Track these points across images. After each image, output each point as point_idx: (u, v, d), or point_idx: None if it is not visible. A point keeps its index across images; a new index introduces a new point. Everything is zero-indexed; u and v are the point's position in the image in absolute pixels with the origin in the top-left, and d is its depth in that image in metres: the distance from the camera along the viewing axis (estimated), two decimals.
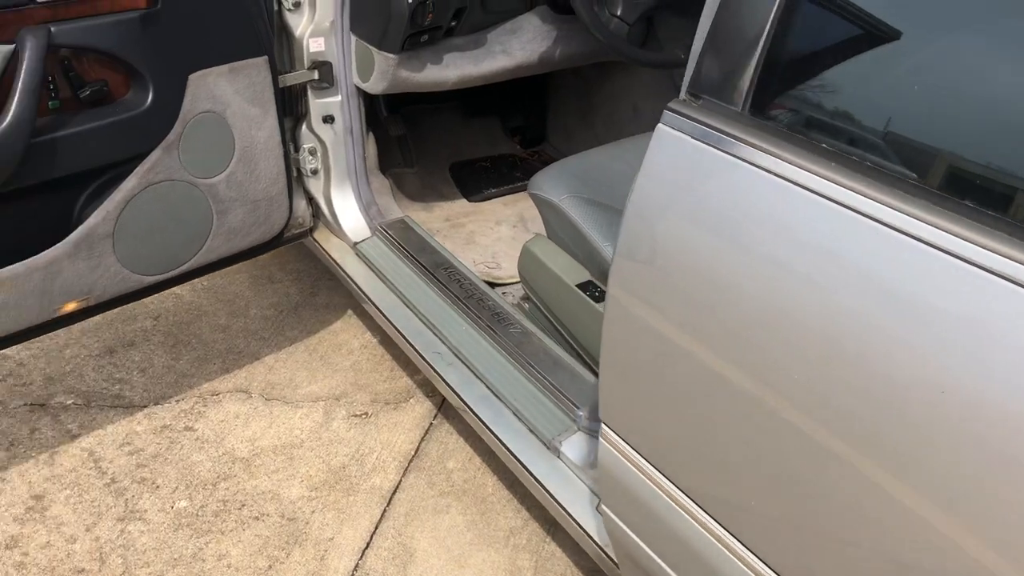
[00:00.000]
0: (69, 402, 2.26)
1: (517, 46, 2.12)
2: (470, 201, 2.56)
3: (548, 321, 1.89)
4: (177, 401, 2.27)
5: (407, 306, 2.02)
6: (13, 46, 1.53)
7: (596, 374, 1.72)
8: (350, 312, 2.60)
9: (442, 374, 1.81)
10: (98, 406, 2.25)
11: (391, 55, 1.96)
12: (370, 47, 1.99)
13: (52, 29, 1.57)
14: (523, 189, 2.59)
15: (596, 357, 1.72)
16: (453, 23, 1.98)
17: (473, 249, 2.31)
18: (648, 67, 2.05)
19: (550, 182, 1.80)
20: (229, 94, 1.86)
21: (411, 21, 1.87)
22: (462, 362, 1.83)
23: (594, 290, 1.73)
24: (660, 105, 2.46)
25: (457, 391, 1.77)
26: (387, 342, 2.43)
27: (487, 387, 1.76)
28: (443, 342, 1.89)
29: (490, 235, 2.37)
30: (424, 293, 2.02)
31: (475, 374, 1.79)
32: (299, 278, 2.76)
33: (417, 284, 2.05)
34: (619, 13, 1.84)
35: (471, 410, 1.74)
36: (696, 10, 1.02)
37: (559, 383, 1.69)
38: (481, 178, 2.65)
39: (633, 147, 1.93)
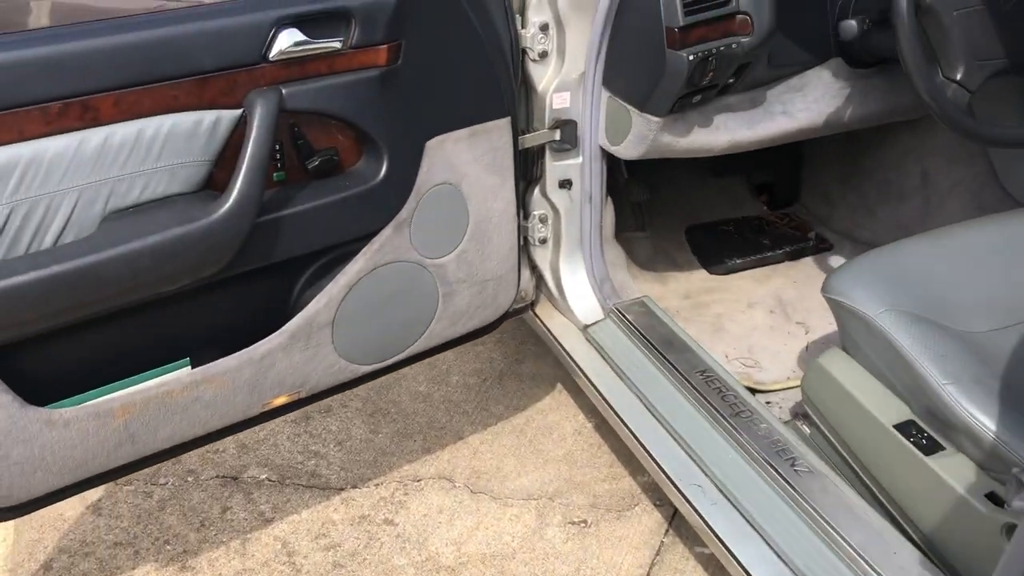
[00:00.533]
0: (263, 477, 2.07)
1: (801, 106, 1.76)
2: (711, 273, 2.20)
3: (838, 455, 1.51)
4: (376, 485, 2.04)
5: (653, 415, 1.69)
6: (241, 111, 1.32)
7: (916, 543, 1.33)
8: (560, 388, 2.30)
9: (706, 517, 1.47)
10: (293, 484, 2.05)
11: (655, 118, 1.64)
12: (627, 106, 1.68)
13: (284, 92, 1.34)
14: (774, 261, 2.23)
15: (915, 520, 1.34)
16: (731, 80, 1.63)
17: (723, 339, 1.96)
18: (997, 146, 1.64)
19: (859, 287, 1.43)
20: (467, 162, 1.60)
21: (688, 81, 1.54)
22: (731, 503, 1.48)
23: (919, 435, 1.34)
24: (960, 172, 2.06)
25: (726, 543, 1.43)
26: (604, 428, 2.12)
27: (767, 543, 1.40)
28: (704, 471, 1.54)
29: (742, 321, 2.01)
30: (673, 399, 1.68)
31: (749, 523, 1.44)
32: (503, 341, 2.49)
33: (663, 386, 1.72)
34: (959, 78, 1.45)
35: (745, 570, 1.39)
36: None
37: (868, 554, 1.31)
38: (723, 245, 2.29)
39: (963, 242, 1.53)
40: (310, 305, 1.49)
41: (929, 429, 1.34)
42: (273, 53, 1.31)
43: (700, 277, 2.19)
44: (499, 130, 1.63)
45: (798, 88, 1.76)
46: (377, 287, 1.54)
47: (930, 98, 1.42)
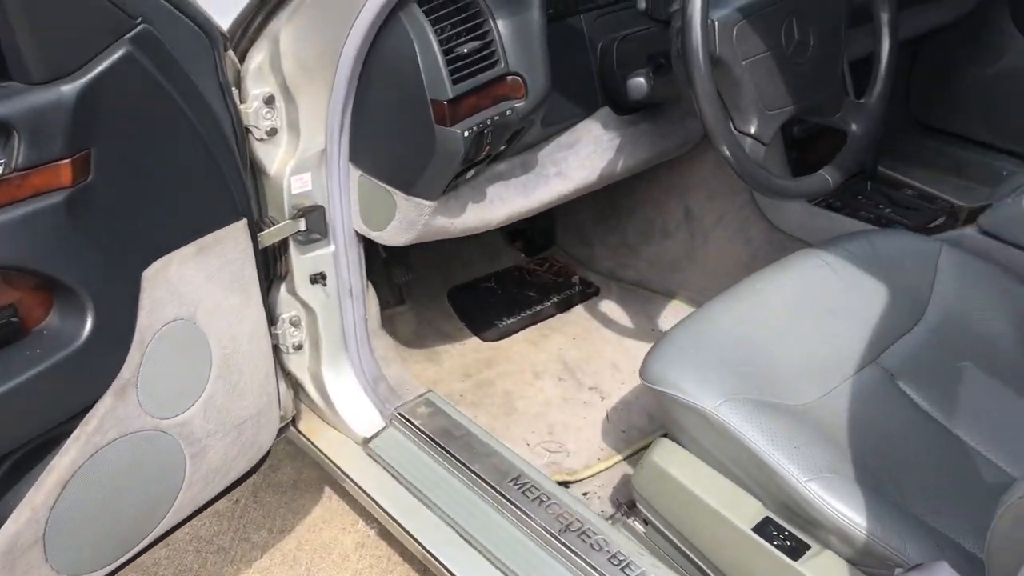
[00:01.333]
0: None
1: (575, 164, 1.58)
2: (484, 340, 1.99)
3: (684, 557, 1.36)
4: None
5: (462, 536, 1.44)
6: None
7: None
8: (329, 493, 1.97)
9: None
10: None
11: (427, 202, 1.38)
12: (389, 188, 1.40)
13: None
14: (545, 315, 2.06)
15: None
16: (503, 147, 1.41)
17: (518, 422, 1.75)
18: (792, 199, 1.56)
19: (687, 376, 1.28)
20: (200, 285, 1.24)
21: (464, 159, 1.30)
22: None
23: (780, 535, 1.21)
24: (723, 206, 2.00)
25: None
26: (389, 535, 1.84)
27: None
28: None
29: (532, 397, 1.81)
30: (485, 517, 1.44)
31: None
32: None
33: (470, 501, 1.47)
34: (753, 131, 1.33)
35: None
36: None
37: None
38: (488, 306, 2.09)
39: (766, 300, 1.43)
40: (7, 524, 1.06)
41: (788, 525, 1.22)
42: None
43: (474, 347, 1.97)
44: (234, 237, 1.29)
45: (569, 145, 1.58)
46: (101, 476, 1.15)
47: (731, 155, 1.29)
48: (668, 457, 1.33)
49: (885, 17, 1.47)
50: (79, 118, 1.02)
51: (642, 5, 1.39)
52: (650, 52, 1.48)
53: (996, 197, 1.75)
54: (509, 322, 2.04)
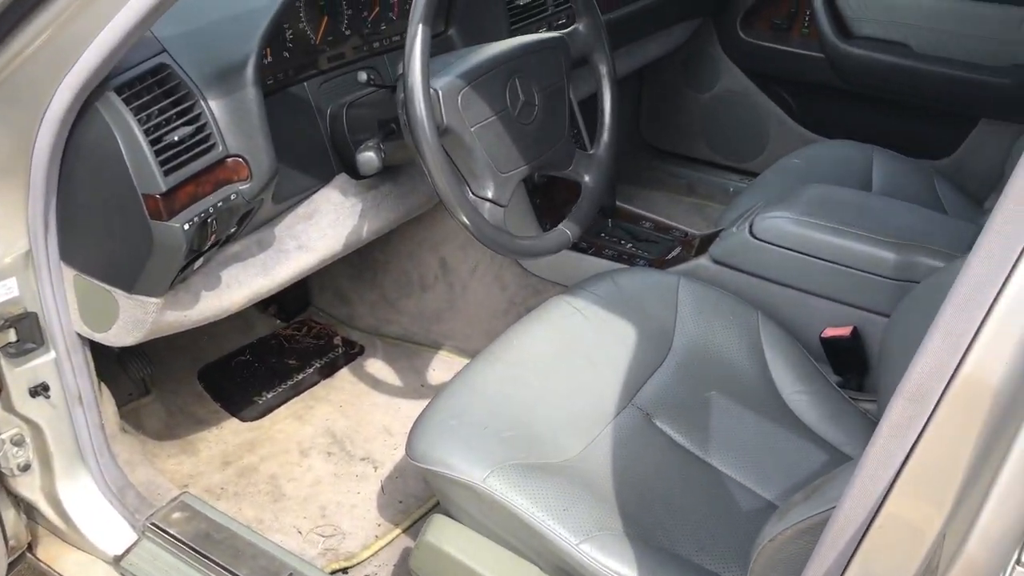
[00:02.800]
0: None
1: (316, 235, 1.51)
2: (244, 420, 1.86)
3: None
4: None
5: None
6: None
7: None
8: None
9: None
10: None
11: (152, 299, 1.26)
12: (108, 288, 1.27)
13: None
14: (309, 384, 1.98)
15: None
16: (232, 229, 1.32)
17: (288, 508, 1.65)
18: (536, 258, 1.56)
19: (452, 451, 1.25)
20: None
21: (188, 252, 1.20)
22: None
23: None
24: (476, 255, 2.00)
25: None
26: None
27: None
28: None
29: (302, 477, 1.71)
30: None
31: None
32: None
33: None
34: (490, 195, 1.32)
35: None
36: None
37: None
38: (246, 382, 1.96)
39: (526, 356, 1.43)
40: None
41: None
42: None
43: (233, 431, 1.84)
44: None
45: (308, 216, 1.50)
46: None
47: (470, 223, 1.28)
48: (443, 534, 1.29)
49: (604, 69, 1.52)
50: None
51: (363, 77, 1.35)
52: (380, 118, 1.44)
53: (724, 222, 1.87)
54: (269, 396, 1.93)
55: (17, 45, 1.11)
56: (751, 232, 1.66)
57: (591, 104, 1.61)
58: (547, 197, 1.94)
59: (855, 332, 1.58)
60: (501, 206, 1.34)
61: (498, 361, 1.43)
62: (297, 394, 1.94)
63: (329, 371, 2.01)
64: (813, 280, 1.63)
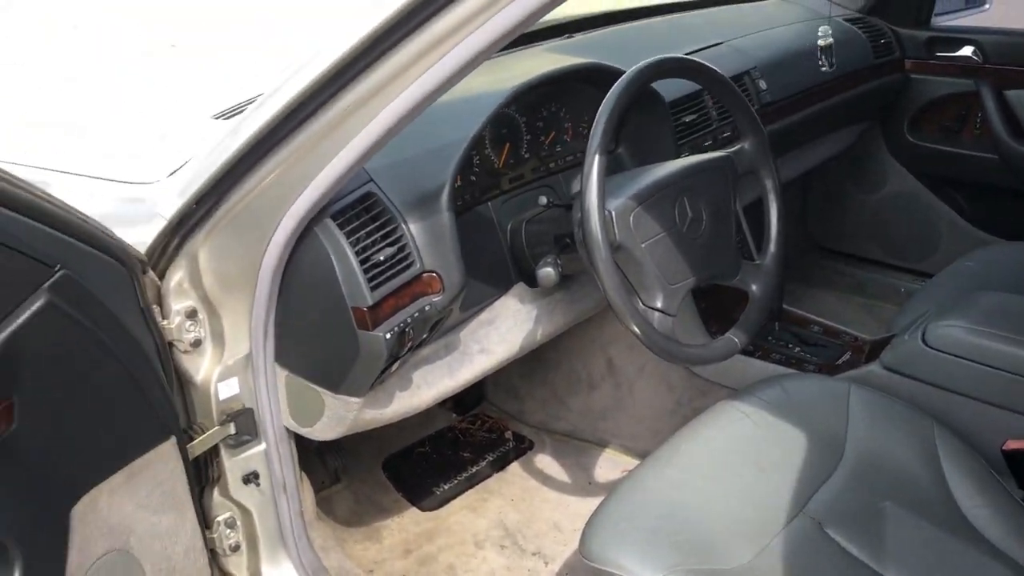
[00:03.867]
0: None
1: (496, 339, 1.63)
2: (423, 510, 1.98)
3: None
4: None
5: None
6: None
7: None
8: None
9: None
10: None
11: (354, 399, 1.40)
12: (316, 388, 1.43)
13: None
14: (482, 477, 2.08)
15: None
16: (424, 336, 1.46)
17: None
18: (704, 364, 1.63)
19: (626, 551, 1.30)
20: (131, 513, 1.23)
21: (389, 356, 1.34)
22: None
23: None
24: (643, 356, 2.07)
25: None
26: None
27: None
28: None
29: (477, 568, 1.81)
30: None
31: None
32: None
33: None
34: (659, 305, 1.41)
35: None
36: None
37: None
38: (424, 473, 2.09)
39: (697, 462, 1.47)
40: None
41: None
42: None
43: (413, 519, 1.96)
44: (163, 457, 1.29)
45: (490, 322, 1.63)
46: None
47: (641, 332, 1.36)
48: None
49: (769, 184, 1.58)
50: (2, 371, 1.03)
51: (543, 200, 1.47)
52: (556, 233, 1.56)
53: (896, 327, 1.86)
54: (446, 488, 2.04)
55: (249, 184, 1.30)
56: (924, 340, 1.65)
57: (754, 209, 1.68)
58: (713, 301, 1.99)
59: None
60: (670, 315, 1.42)
61: (667, 465, 1.48)
62: (471, 486, 2.05)
63: (501, 465, 2.11)
64: (991, 390, 1.59)
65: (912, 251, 2.68)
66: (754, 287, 1.57)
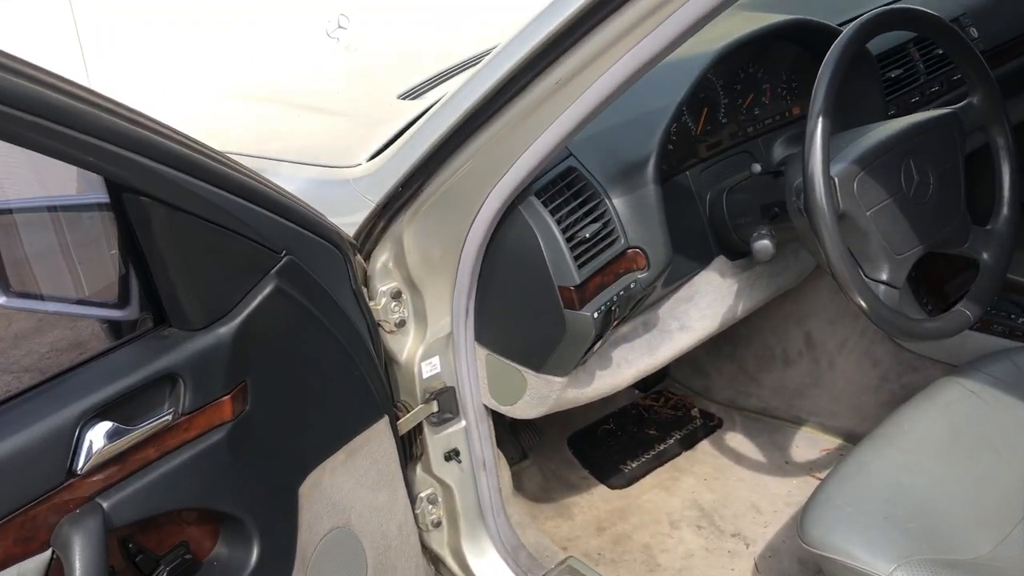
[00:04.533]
0: None
1: (696, 316, 1.57)
2: (612, 488, 1.95)
3: None
4: None
5: None
6: (51, 554, 0.92)
7: None
8: None
9: None
10: None
11: (558, 378, 1.38)
12: (518, 367, 1.41)
13: (105, 506, 0.95)
14: (671, 455, 2.02)
15: None
16: (627, 313, 1.42)
17: None
18: (936, 340, 1.52)
19: (854, 538, 1.23)
20: (351, 490, 1.26)
21: (595, 336, 1.30)
22: None
23: None
24: (845, 331, 1.96)
25: None
26: None
27: None
28: None
29: (673, 549, 1.76)
30: None
31: None
32: None
33: None
34: (885, 278, 1.31)
35: None
36: None
37: None
38: (611, 450, 2.06)
39: (921, 442, 1.37)
40: None
41: None
42: (82, 463, 0.93)
43: (603, 497, 1.93)
44: (378, 436, 1.31)
45: (688, 298, 1.57)
46: None
47: (867, 306, 1.27)
48: None
49: (1001, 141, 1.44)
50: (236, 355, 1.06)
51: (756, 168, 1.40)
52: (763, 202, 1.48)
53: None
54: (634, 466, 2.01)
55: (456, 163, 1.29)
56: None
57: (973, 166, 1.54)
58: (922, 272, 1.85)
59: None
60: (896, 288, 1.32)
61: (891, 446, 1.39)
62: (660, 464, 2.00)
63: (689, 443, 2.06)
64: None
65: None
66: (985, 255, 1.43)
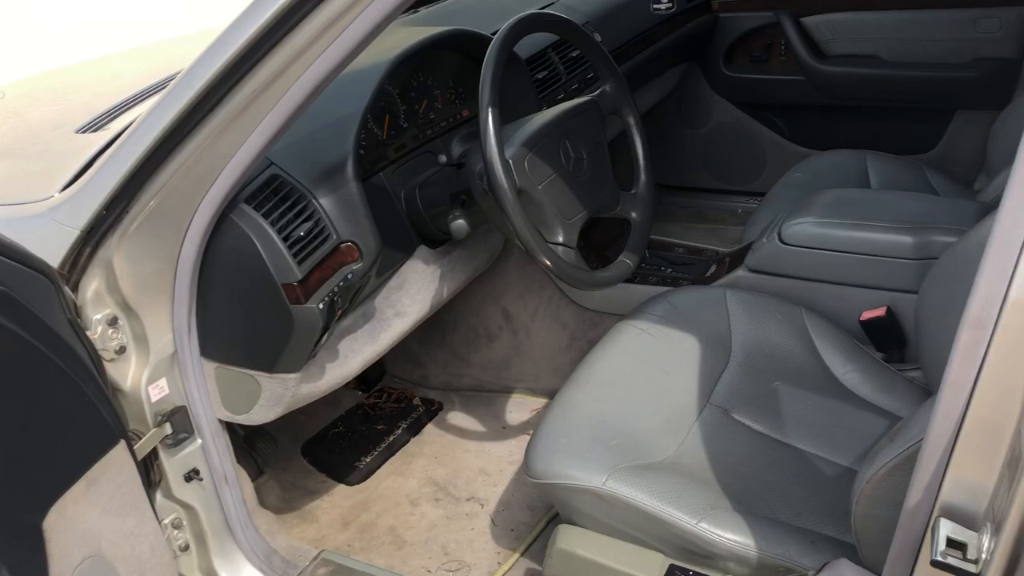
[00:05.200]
0: None
1: (408, 302, 1.72)
2: (352, 485, 2.04)
3: None
4: None
5: None
6: None
7: None
8: None
9: None
10: None
11: (291, 375, 1.46)
12: (250, 372, 1.47)
13: None
14: (400, 444, 2.15)
15: None
16: (347, 305, 1.53)
17: (414, 554, 1.82)
18: (607, 287, 1.76)
19: (569, 463, 1.43)
20: (98, 517, 1.25)
21: (323, 327, 1.40)
22: None
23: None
24: (535, 301, 2.21)
25: None
26: None
27: None
28: None
29: (418, 524, 1.89)
30: None
31: None
32: None
33: None
34: (561, 240, 1.54)
35: None
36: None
37: None
38: (344, 451, 2.14)
39: (610, 376, 1.62)
40: None
41: (692, 566, 1.39)
42: None
43: (344, 495, 2.01)
44: (118, 461, 1.30)
45: (399, 286, 1.71)
46: None
47: (552, 264, 1.48)
48: (572, 540, 1.47)
49: (631, 119, 1.74)
50: None
51: (443, 159, 1.57)
52: (451, 192, 1.65)
53: (750, 236, 2.08)
54: (368, 460, 2.11)
55: (161, 180, 1.31)
56: (780, 239, 1.87)
57: (615, 147, 1.84)
58: (588, 242, 2.15)
59: (889, 311, 1.78)
60: (571, 248, 1.55)
61: (587, 383, 1.62)
62: (392, 454, 2.12)
63: (416, 429, 2.20)
64: (844, 272, 1.83)
65: (743, 175, 2.95)
66: (634, 214, 1.73)
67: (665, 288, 2.01)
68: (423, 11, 2.18)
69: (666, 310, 1.80)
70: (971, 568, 0.88)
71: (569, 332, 2.18)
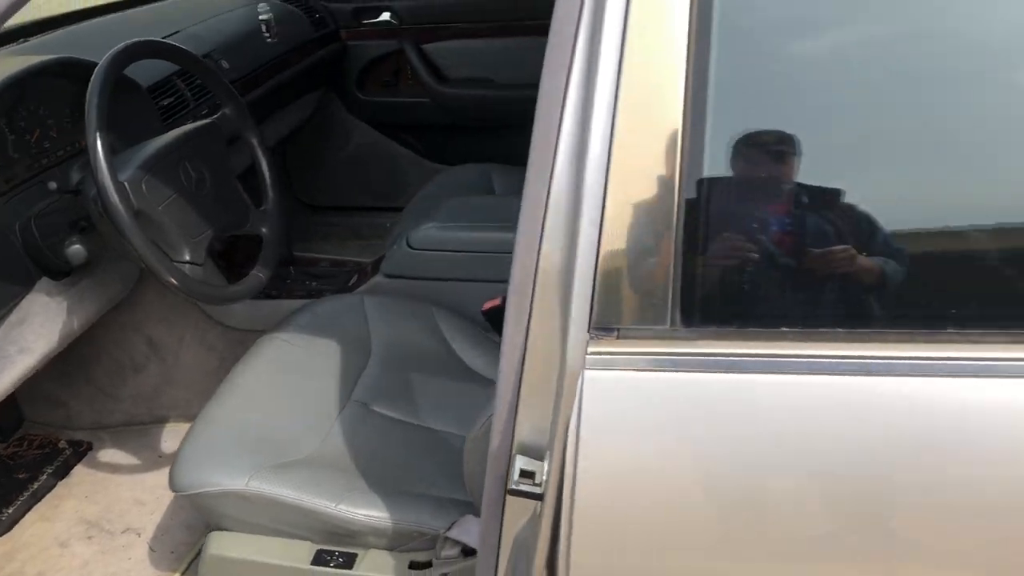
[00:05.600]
0: None
1: (32, 337, 1.66)
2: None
3: None
4: None
5: None
6: None
7: None
8: None
9: None
10: None
11: None
12: None
13: None
14: (48, 489, 2.06)
15: None
16: None
17: None
18: (238, 301, 1.79)
19: (211, 471, 1.49)
20: None
21: None
22: None
23: (332, 557, 1.49)
24: (180, 327, 2.20)
25: None
26: None
27: None
28: None
29: (69, 565, 1.82)
30: None
31: None
32: None
33: None
34: (188, 258, 1.58)
35: None
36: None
37: None
38: None
39: (253, 388, 1.70)
40: None
41: (337, 548, 1.50)
42: None
43: None
44: None
45: (21, 322, 1.65)
46: None
47: (179, 283, 1.52)
48: (222, 544, 1.52)
49: (254, 140, 1.83)
50: None
51: (53, 186, 1.55)
52: (70, 220, 1.63)
53: (387, 247, 2.25)
54: (11, 511, 1.98)
55: None
56: (408, 244, 2.06)
57: (246, 176, 1.92)
58: (226, 259, 2.20)
59: (504, 300, 2.02)
60: (199, 265, 1.60)
61: (229, 397, 1.68)
62: (37, 501, 2.02)
63: (63, 472, 2.10)
64: (466, 269, 2.05)
65: (388, 192, 3.14)
66: (264, 229, 1.81)
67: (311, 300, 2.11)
68: (34, 40, 2.10)
69: (308, 320, 1.90)
70: (536, 491, 1.08)
71: (218, 354, 2.20)
